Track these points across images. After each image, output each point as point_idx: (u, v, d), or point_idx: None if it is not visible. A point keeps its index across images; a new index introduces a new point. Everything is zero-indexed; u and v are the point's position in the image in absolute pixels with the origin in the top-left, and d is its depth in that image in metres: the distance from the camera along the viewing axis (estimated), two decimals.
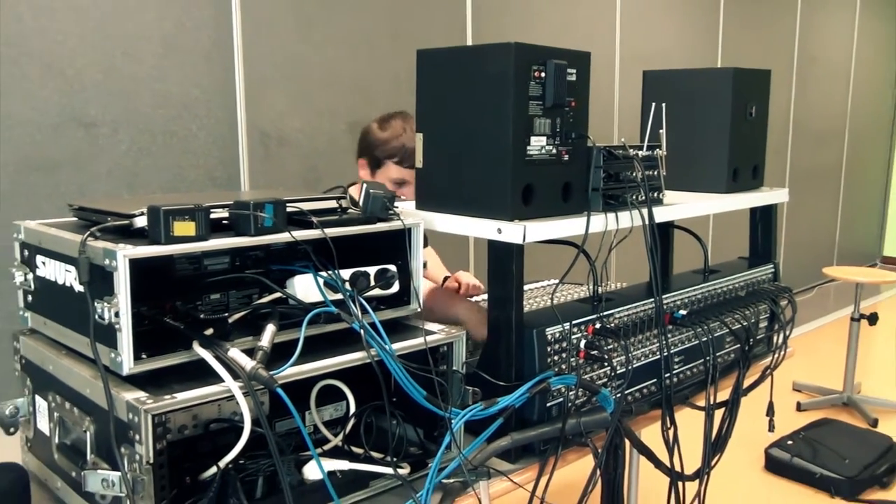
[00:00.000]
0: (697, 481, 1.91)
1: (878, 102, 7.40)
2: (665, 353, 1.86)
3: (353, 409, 1.59)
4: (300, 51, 2.95)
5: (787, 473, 3.71)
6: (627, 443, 1.73)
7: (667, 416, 1.82)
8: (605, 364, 1.73)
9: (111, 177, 2.53)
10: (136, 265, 1.19)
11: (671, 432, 1.81)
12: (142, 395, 1.19)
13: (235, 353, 1.26)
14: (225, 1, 2.73)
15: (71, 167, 2.44)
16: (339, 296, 1.44)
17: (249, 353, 1.27)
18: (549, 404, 1.61)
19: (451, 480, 1.45)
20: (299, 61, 2.96)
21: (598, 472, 1.61)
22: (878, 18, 7.02)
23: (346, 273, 1.45)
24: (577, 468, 1.68)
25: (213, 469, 1.31)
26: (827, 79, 6.29)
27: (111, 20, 2.47)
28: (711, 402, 1.94)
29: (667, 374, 1.86)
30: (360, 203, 1.55)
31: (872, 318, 4.40)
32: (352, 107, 3.13)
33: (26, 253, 1.47)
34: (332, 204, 1.57)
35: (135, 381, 1.23)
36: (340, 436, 1.57)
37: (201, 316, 1.36)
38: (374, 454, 1.53)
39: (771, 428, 2.08)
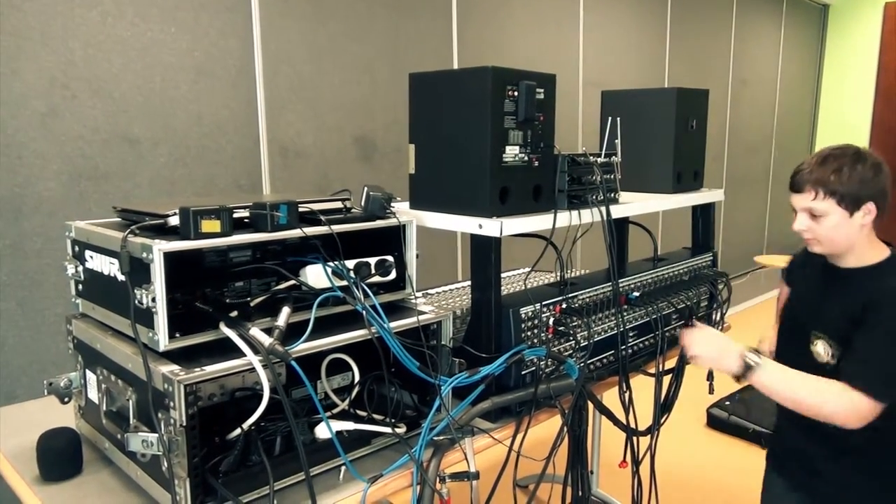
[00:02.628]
0: (650, 436, 1.90)
1: (799, 117, 7.41)
2: (621, 329, 1.86)
3: (357, 378, 1.57)
4: (312, 76, 2.92)
5: (724, 429, 3.71)
6: (590, 404, 1.72)
7: (623, 381, 1.81)
8: (571, 338, 1.72)
9: (152, 185, 2.50)
10: (170, 258, 1.18)
11: (627, 395, 1.80)
12: (175, 368, 1.17)
13: (256, 332, 1.25)
14: (248, 34, 2.69)
15: (117, 177, 2.41)
16: (345, 282, 1.42)
17: (268, 331, 1.26)
18: (523, 372, 1.60)
19: (441, 438, 1.44)
20: (311, 85, 2.93)
21: (566, 429, 1.60)
22: (798, 48, 7.02)
23: (350, 263, 1.44)
24: (548, 426, 1.67)
25: (238, 430, 1.30)
26: (756, 98, 6.29)
27: (151, 50, 2.43)
28: (661, 369, 1.94)
29: (623, 347, 1.85)
30: (362, 203, 1.53)
31: None
32: (356, 124, 3.10)
33: (76, 248, 1.45)
34: (338, 205, 1.56)
35: (170, 356, 1.22)
36: (347, 401, 1.56)
37: (227, 300, 1.34)
38: (376, 416, 1.52)
39: (711, 391, 2.07)
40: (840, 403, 1.48)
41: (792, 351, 1.72)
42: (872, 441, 1.55)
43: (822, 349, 1.63)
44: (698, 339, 1.66)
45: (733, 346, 1.62)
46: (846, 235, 1.59)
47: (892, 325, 1.50)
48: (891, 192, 1.60)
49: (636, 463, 1.84)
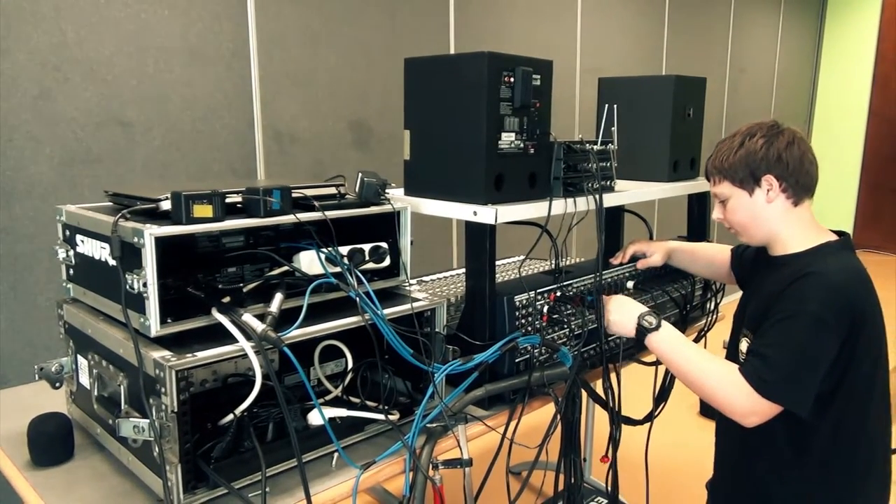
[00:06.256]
0: (643, 424, 1.91)
1: (795, 107, 7.40)
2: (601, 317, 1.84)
3: (350, 365, 1.57)
4: (307, 61, 2.90)
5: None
6: (584, 392, 1.72)
7: (607, 372, 1.81)
8: (565, 326, 1.71)
9: (145, 169, 2.48)
10: (161, 242, 1.17)
11: (617, 385, 1.79)
12: (167, 353, 1.16)
13: (248, 318, 1.24)
14: (242, 17, 2.66)
15: (110, 161, 2.39)
16: (338, 269, 1.41)
17: (261, 317, 1.25)
18: (517, 360, 1.60)
19: (434, 425, 1.44)
20: (307, 70, 2.90)
21: (559, 417, 1.60)
22: (796, 37, 6.99)
23: (344, 249, 1.43)
24: (541, 414, 1.67)
25: (230, 416, 1.29)
26: (754, 86, 6.27)
27: (144, 32, 2.41)
28: (656, 358, 1.93)
29: (607, 339, 1.85)
30: (356, 189, 1.52)
31: None
32: (352, 109, 3.08)
33: (67, 233, 1.44)
34: (332, 190, 1.54)
35: (161, 342, 1.21)
36: (340, 388, 1.55)
37: (219, 286, 1.33)
38: (369, 403, 1.51)
39: None
40: (723, 384, 1.39)
41: (730, 350, 1.61)
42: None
43: (745, 348, 1.49)
44: (611, 308, 1.62)
45: (636, 309, 1.58)
46: (754, 217, 1.50)
47: (788, 320, 1.36)
48: (803, 162, 1.46)
49: (615, 446, 1.83)
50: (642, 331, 1.53)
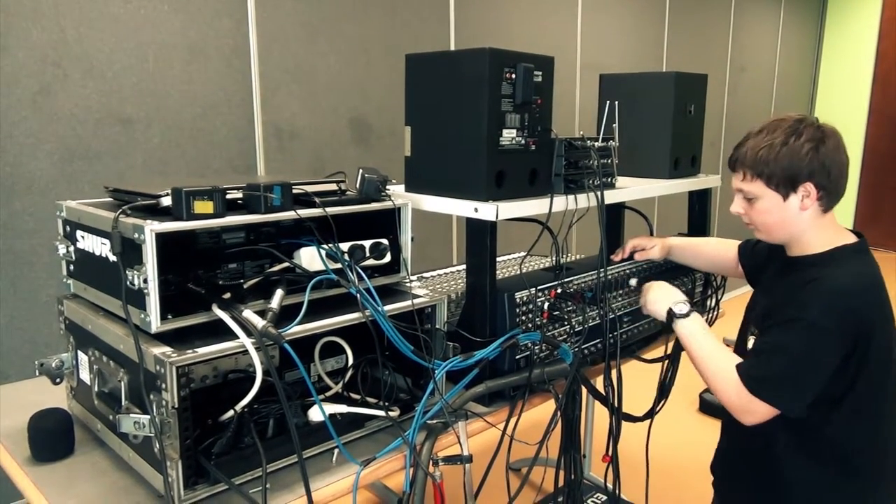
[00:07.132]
0: (644, 421, 1.91)
1: (796, 104, 7.40)
2: (606, 318, 1.85)
3: (350, 361, 1.57)
4: (307, 58, 2.89)
5: (716, 414, 3.73)
6: (584, 389, 1.72)
7: (609, 369, 1.80)
8: (565, 323, 1.71)
9: (145, 166, 2.48)
10: (162, 238, 1.17)
11: (617, 381, 1.79)
12: (167, 349, 1.16)
13: (249, 314, 1.24)
14: (242, 14, 2.66)
15: (110, 157, 2.38)
16: (339, 265, 1.41)
17: (262, 314, 1.25)
18: (517, 357, 1.60)
19: (435, 421, 1.44)
20: (307, 66, 2.90)
21: (559, 413, 1.60)
22: (797, 35, 6.98)
23: (344, 246, 1.43)
24: (541, 410, 1.67)
25: (231, 412, 1.29)
26: (754, 84, 6.26)
27: (144, 29, 2.40)
28: (657, 355, 1.94)
29: (609, 335, 1.85)
30: (357, 186, 1.52)
31: None
32: (352, 105, 3.08)
33: (68, 228, 1.44)
34: (333, 187, 1.54)
35: (162, 338, 1.21)
36: (340, 384, 1.56)
37: (220, 282, 1.33)
38: (369, 399, 1.52)
39: None
40: (722, 376, 1.40)
41: (738, 347, 1.61)
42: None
43: (751, 346, 1.47)
44: (652, 292, 1.67)
45: (674, 296, 1.61)
46: (782, 222, 1.43)
47: (789, 323, 1.35)
48: (845, 169, 1.40)
49: (615, 443, 1.83)
50: (671, 316, 1.57)
